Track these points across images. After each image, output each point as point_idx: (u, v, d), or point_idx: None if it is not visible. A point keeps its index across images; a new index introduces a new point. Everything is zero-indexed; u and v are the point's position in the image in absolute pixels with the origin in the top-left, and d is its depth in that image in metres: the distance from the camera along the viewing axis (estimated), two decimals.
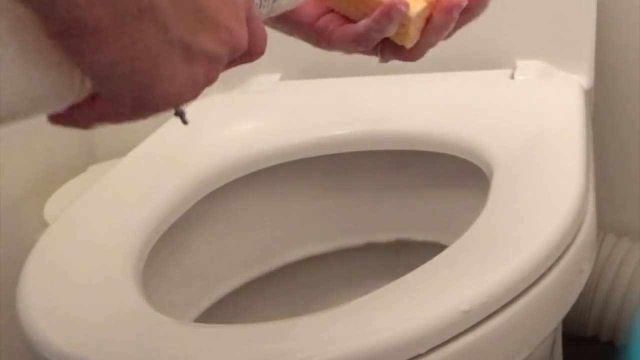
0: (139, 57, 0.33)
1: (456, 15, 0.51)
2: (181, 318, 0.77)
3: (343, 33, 0.51)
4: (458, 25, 0.52)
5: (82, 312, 0.59)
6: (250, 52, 0.40)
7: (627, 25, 1.02)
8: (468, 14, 0.52)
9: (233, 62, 0.40)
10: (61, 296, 0.61)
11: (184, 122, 0.41)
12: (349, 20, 0.52)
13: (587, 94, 0.90)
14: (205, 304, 0.82)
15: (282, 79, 0.99)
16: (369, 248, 0.92)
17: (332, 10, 0.53)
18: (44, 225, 0.97)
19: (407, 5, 0.48)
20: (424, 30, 0.51)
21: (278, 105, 0.93)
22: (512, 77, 0.91)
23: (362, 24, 0.50)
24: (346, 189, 0.91)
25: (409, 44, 0.50)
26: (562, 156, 0.70)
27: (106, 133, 1.19)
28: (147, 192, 0.75)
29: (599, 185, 0.81)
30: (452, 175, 0.85)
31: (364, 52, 0.53)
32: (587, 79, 0.92)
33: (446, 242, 0.65)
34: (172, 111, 0.39)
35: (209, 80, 0.38)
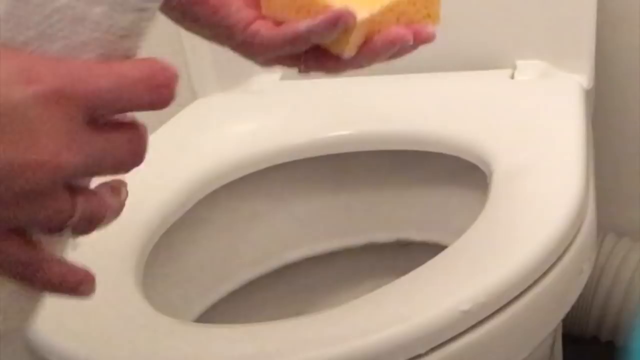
0: None
1: (397, 49, 0.50)
2: (181, 318, 0.77)
3: (280, 32, 0.49)
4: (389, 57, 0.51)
5: (82, 312, 0.59)
6: None
7: (627, 25, 1.02)
8: (406, 49, 0.51)
9: None
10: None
11: None
12: None
13: (587, 94, 0.90)
14: (205, 304, 0.82)
15: (282, 78, 0.99)
16: (369, 248, 0.92)
17: (264, 17, 0.51)
18: None
19: (354, 18, 0.47)
20: (359, 50, 0.50)
21: (278, 105, 0.93)
22: (512, 77, 0.91)
23: (305, 24, 0.48)
24: (346, 189, 0.91)
25: (346, 54, 0.49)
26: (562, 156, 0.70)
27: None
28: (147, 192, 0.75)
29: (599, 185, 0.81)
30: (452, 175, 0.85)
31: (287, 63, 0.52)
32: (587, 79, 0.92)
33: (446, 242, 0.65)
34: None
35: None
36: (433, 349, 0.52)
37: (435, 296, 0.54)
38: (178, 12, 0.52)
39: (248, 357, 0.52)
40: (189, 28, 0.53)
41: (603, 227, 1.07)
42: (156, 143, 0.84)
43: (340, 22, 0.47)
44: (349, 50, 0.49)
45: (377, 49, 0.50)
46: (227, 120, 0.91)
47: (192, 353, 0.53)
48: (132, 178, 0.85)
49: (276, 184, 0.88)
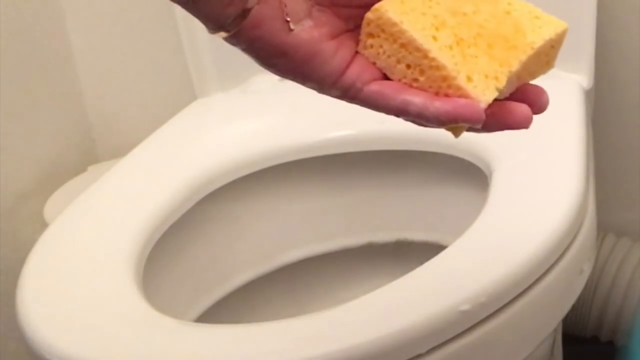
0: None
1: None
2: (181, 318, 0.77)
3: (382, 98, 0.42)
4: None
5: (82, 312, 0.59)
6: None
7: (627, 25, 1.02)
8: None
9: None
10: (61, 296, 0.61)
11: None
12: (384, 75, 0.42)
13: (587, 94, 0.90)
14: (205, 303, 0.82)
15: (282, 79, 0.99)
16: (369, 248, 0.92)
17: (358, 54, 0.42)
18: (44, 225, 0.97)
19: (482, 118, 0.39)
20: None
21: (278, 105, 0.93)
22: None
23: (417, 107, 0.40)
24: (346, 189, 0.91)
25: (458, 136, 0.42)
26: (562, 156, 0.70)
27: (106, 133, 1.19)
28: (147, 192, 0.75)
29: (599, 185, 0.81)
30: (452, 175, 0.85)
31: None
32: (587, 79, 0.92)
33: (446, 242, 0.65)
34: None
35: None
36: (433, 349, 0.52)
37: (435, 296, 0.54)
38: (253, 57, 0.44)
39: (248, 357, 0.52)
40: None
41: (603, 227, 1.07)
42: (156, 143, 0.85)
43: (462, 121, 0.39)
44: (461, 134, 0.42)
45: (489, 128, 0.42)
46: (227, 120, 0.91)
47: (192, 353, 0.53)
48: (132, 178, 0.85)
49: (276, 184, 0.88)
